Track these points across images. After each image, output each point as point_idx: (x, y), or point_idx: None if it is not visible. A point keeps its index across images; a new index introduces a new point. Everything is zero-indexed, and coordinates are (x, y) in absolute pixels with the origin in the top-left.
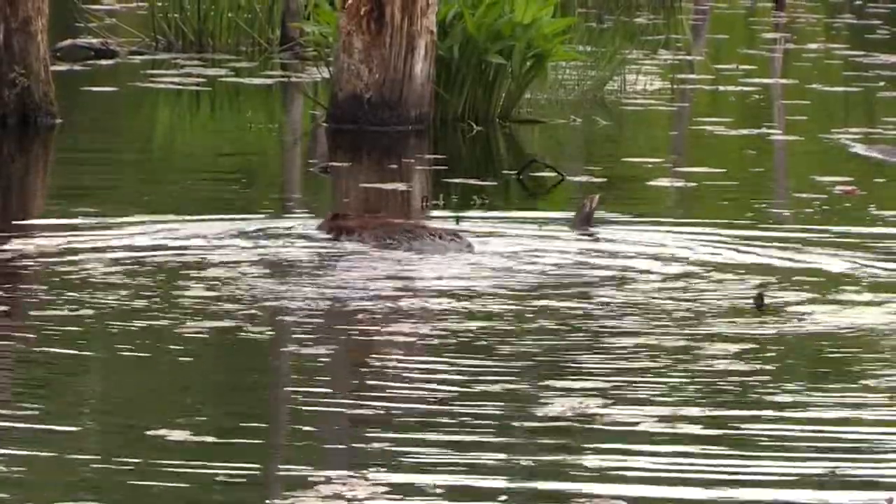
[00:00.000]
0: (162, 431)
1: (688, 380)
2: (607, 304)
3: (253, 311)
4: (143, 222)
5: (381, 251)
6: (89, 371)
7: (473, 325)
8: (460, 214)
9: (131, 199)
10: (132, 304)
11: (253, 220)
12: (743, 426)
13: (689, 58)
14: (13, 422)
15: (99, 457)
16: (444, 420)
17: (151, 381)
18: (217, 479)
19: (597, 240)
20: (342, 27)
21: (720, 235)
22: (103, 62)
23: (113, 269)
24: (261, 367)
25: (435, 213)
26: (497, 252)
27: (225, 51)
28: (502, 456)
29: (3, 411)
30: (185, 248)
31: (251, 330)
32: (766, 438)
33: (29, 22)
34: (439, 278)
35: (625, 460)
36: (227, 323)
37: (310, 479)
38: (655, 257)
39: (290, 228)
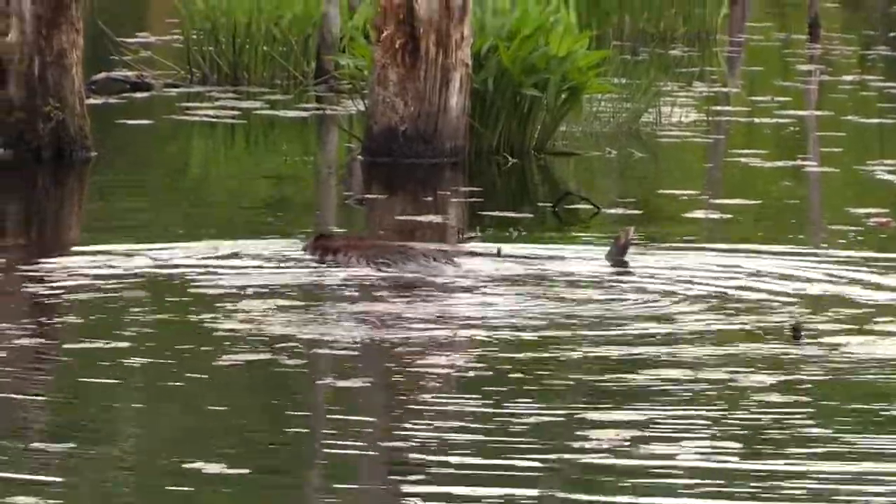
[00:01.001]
0: (198, 465)
1: (724, 411)
2: (643, 335)
3: (288, 344)
4: (175, 255)
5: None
6: (125, 403)
7: (508, 356)
8: (501, 245)
9: (166, 231)
10: (168, 336)
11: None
12: (779, 459)
13: (724, 90)
14: (50, 455)
15: (135, 489)
16: (480, 452)
17: (187, 413)
18: None
19: (632, 271)
20: (377, 60)
21: (756, 267)
22: (138, 95)
23: (148, 299)
24: (296, 399)
25: (474, 245)
26: (532, 282)
27: (260, 83)
28: (537, 489)
29: (39, 444)
30: (222, 277)
31: (287, 363)
32: (802, 472)
33: (64, 55)
34: (474, 308)
35: (662, 493)
36: (262, 356)
37: None
38: (691, 288)
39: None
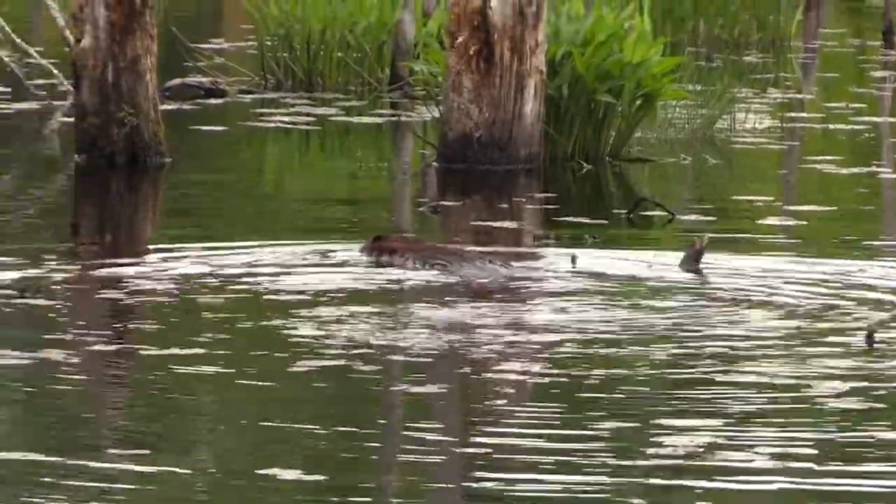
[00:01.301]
0: (273, 470)
1: (800, 418)
2: (718, 341)
3: (363, 350)
4: (250, 260)
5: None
6: (201, 409)
7: (583, 362)
8: (575, 251)
9: (240, 235)
10: (242, 342)
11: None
12: (855, 466)
13: (798, 96)
14: (124, 462)
15: (210, 496)
16: (554, 460)
17: (263, 420)
18: None
19: (706, 277)
20: (452, 66)
21: (830, 273)
22: (212, 101)
23: (223, 304)
24: (371, 406)
25: (550, 250)
26: (606, 289)
27: (334, 90)
28: (614, 497)
29: (115, 450)
30: (297, 282)
31: (361, 369)
32: (878, 479)
33: (137, 61)
34: (549, 314)
35: (736, 500)
36: (337, 362)
37: None
38: (765, 295)
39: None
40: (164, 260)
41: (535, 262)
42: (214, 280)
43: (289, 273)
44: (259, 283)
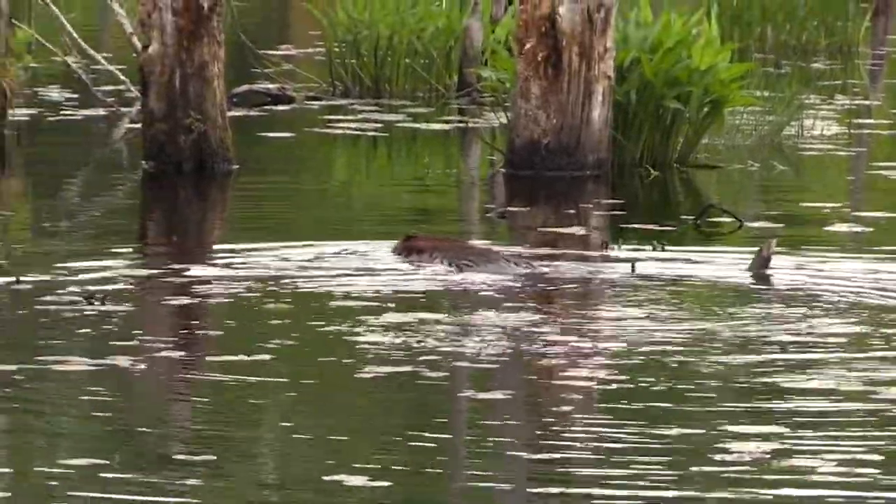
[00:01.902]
0: (339, 477)
1: (866, 425)
2: (785, 346)
3: (430, 356)
4: (317, 266)
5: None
6: (267, 416)
7: (649, 368)
8: (636, 258)
9: (308, 242)
10: (309, 348)
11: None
12: None
13: (866, 102)
14: (187, 470)
15: (276, 502)
16: (621, 465)
17: (329, 426)
18: None
19: (774, 284)
20: (520, 73)
21: None
22: (280, 108)
23: (291, 310)
24: (438, 412)
25: (613, 254)
26: (673, 294)
27: (402, 96)
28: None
29: (181, 456)
30: (365, 288)
31: (428, 375)
32: None
33: (205, 67)
34: (616, 320)
35: None
36: (404, 368)
37: None
38: (833, 301)
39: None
40: (231, 266)
41: (594, 268)
42: (281, 286)
43: (356, 278)
44: (326, 289)
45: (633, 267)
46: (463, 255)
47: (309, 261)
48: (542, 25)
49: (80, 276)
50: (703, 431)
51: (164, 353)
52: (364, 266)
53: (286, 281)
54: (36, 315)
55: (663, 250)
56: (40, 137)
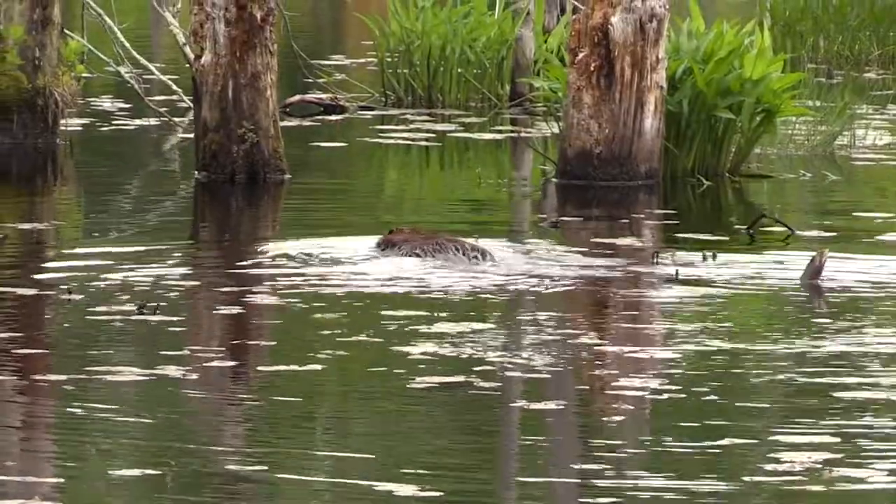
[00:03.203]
0: (390, 486)
1: None
2: (837, 355)
3: (482, 366)
4: (367, 276)
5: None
6: (318, 426)
7: (701, 378)
8: (681, 266)
9: (358, 252)
10: (362, 358)
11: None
12: None
13: None
14: (242, 478)
15: None
16: (672, 476)
17: (380, 436)
18: None
19: (826, 293)
20: (572, 83)
21: None
22: (332, 118)
23: (344, 320)
24: (490, 422)
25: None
26: (724, 304)
27: (454, 106)
28: None
29: (233, 467)
30: (415, 296)
31: (481, 385)
32: None
33: (258, 77)
34: (667, 331)
35: None
36: (456, 378)
37: None
38: (886, 310)
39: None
40: (283, 274)
41: (645, 278)
42: (333, 294)
43: (409, 289)
44: (379, 299)
45: (676, 274)
46: (421, 246)
47: (361, 270)
48: (595, 35)
49: (132, 287)
50: (755, 441)
51: (214, 363)
52: (414, 274)
53: (338, 290)
54: (87, 325)
55: (714, 260)
56: (92, 148)
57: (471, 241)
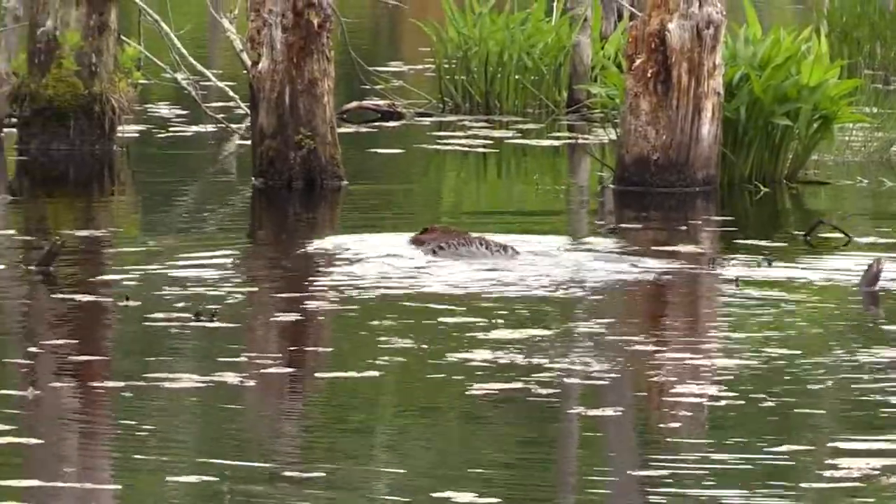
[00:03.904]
0: (447, 493)
1: None
2: (894, 363)
3: (540, 373)
4: (424, 282)
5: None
6: (376, 432)
7: (759, 385)
8: (743, 274)
9: (415, 258)
10: (420, 365)
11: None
12: None
13: None
14: (297, 487)
15: None
16: (730, 483)
17: (438, 442)
18: None
19: (883, 300)
20: (629, 89)
21: None
22: (390, 124)
23: (401, 327)
24: (548, 429)
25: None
26: (781, 311)
27: (512, 112)
28: None
29: (292, 473)
30: (472, 302)
31: (539, 392)
32: None
33: (315, 84)
34: (725, 337)
35: None
36: (514, 384)
37: None
38: None
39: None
40: (341, 281)
41: (702, 284)
42: (391, 303)
43: (467, 295)
44: (437, 306)
45: (737, 283)
46: (447, 241)
47: (417, 275)
48: (652, 42)
49: (189, 293)
50: (812, 448)
51: (272, 370)
52: (471, 279)
53: (395, 295)
54: (144, 332)
55: (770, 266)
56: (149, 154)
57: (498, 239)
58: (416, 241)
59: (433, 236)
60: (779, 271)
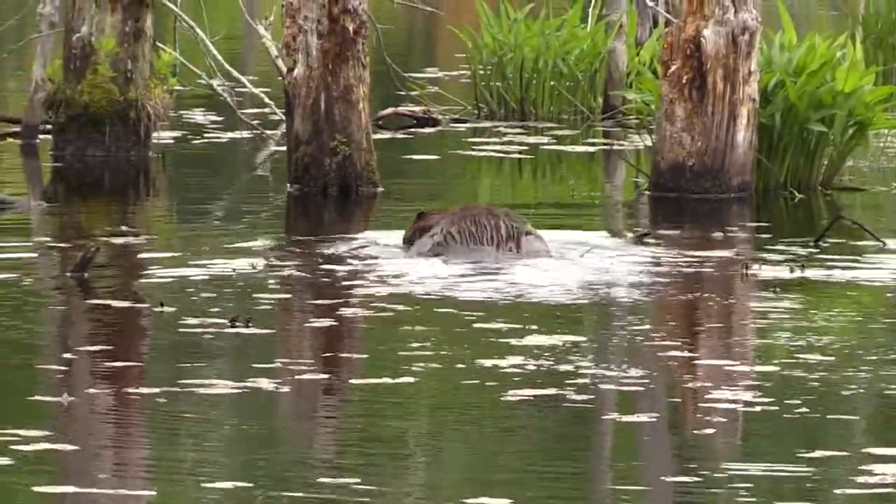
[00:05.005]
0: (482, 500)
1: None
2: None
3: (575, 379)
4: (461, 291)
5: None
6: (411, 438)
7: (794, 390)
8: (776, 281)
9: (449, 265)
10: (454, 371)
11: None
12: None
13: None
14: (331, 493)
15: None
16: (764, 489)
17: (473, 448)
18: None
19: None
20: (664, 95)
21: None
22: (425, 130)
23: (436, 334)
24: (582, 434)
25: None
26: (817, 317)
27: (547, 119)
28: None
29: (325, 479)
30: (506, 309)
31: (573, 398)
32: None
33: (350, 90)
34: (760, 342)
35: None
36: (548, 390)
37: None
38: None
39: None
40: (375, 287)
41: (737, 290)
42: (426, 307)
43: (501, 302)
44: (472, 312)
45: (775, 289)
46: (458, 224)
47: (451, 281)
48: (687, 48)
49: (224, 299)
50: (846, 454)
51: (306, 376)
52: (505, 285)
53: (431, 302)
54: (179, 338)
55: (803, 272)
56: (184, 160)
57: (509, 220)
58: (417, 231)
59: (436, 219)
60: (813, 277)
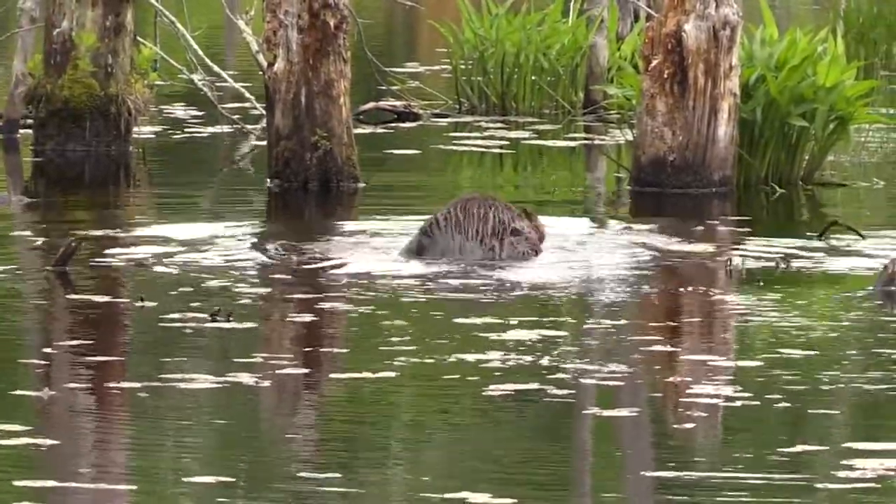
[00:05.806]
0: (463, 494)
1: None
2: None
3: (556, 374)
4: (440, 287)
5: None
6: (391, 433)
7: (775, 385)
8: (753, 273)
9: (434, 260)
10: (435, 366)
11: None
12: None
13: None
14: (312, 488)
15: None
16: (744, 484)
17: (453, 443)
18: None
19: None
20: (645, 90)
21: None
22: (406, 125)
23: (417, 328)
24: (563, 429)
25: (737, 271)
26: (798, 312)
27: (528, 113)
28: None
29: (303, 474)
30: (487, 305)
31: (554, 392)
32: None
33: (331, 85)
34: (740, 337)
35: None
36: (530, 385)
37: None
38: None
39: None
40: (356, 282)
41: (717, 285)
42: (407, 304)
43: (482, 297)
44: (451, 308)
45: (759, 281)
46: (446, 214)
47: (432, 275)
48: (669, 42)
49: (204, 293)
50: (827, 448)
51: (287, 371)
52: (487, 282)
53: (412, 297)
54: (160, 333)
55: (787, 268)
56: (165, 155)
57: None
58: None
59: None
60: (794, 272)
